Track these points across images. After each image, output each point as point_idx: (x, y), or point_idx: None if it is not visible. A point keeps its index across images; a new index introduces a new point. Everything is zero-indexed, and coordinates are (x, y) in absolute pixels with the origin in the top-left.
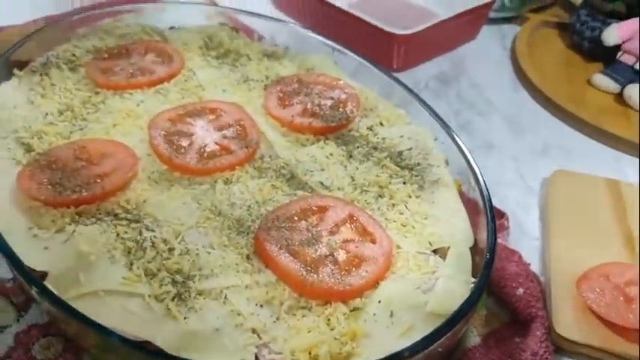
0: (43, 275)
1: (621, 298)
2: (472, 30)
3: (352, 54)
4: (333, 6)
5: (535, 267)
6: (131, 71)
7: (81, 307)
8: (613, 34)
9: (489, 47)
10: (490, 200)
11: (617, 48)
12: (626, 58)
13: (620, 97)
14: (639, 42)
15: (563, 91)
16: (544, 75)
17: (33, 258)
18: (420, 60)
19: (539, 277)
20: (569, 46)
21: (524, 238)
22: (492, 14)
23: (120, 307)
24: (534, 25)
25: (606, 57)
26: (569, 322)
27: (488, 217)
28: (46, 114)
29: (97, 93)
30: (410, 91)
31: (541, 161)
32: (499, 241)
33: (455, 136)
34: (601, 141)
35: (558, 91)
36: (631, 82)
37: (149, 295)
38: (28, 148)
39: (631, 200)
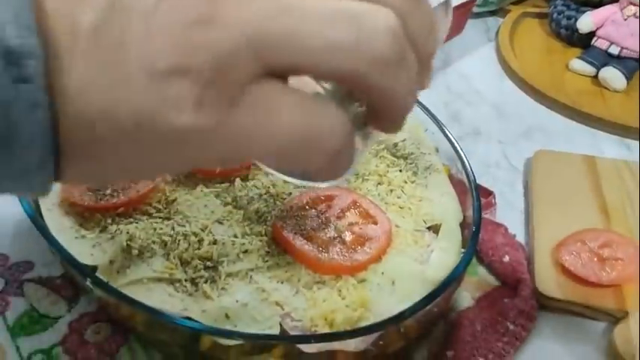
0: (93, 269)
1: (595, 259)
2: (459, 25)
3: None
4: None
5: (521, 237)
6: None
7: (130, 293)
8: (587, 21)
9: (475, 40)
10: (475, 181)
11: (593, 34)
12: (601, 43)
13: (596, 80)
14: (611, 28)
15: (544, 78)
16: (526, 63)
17: (84, 256)
18: None
19: (524, 245)
20: (548, 34)
21: (510, 213)
22: (476, 9)
23: (162, 291)
24: (516, 17)
25: (583, 43)
26: (550, 283)
27: (473, 196)
28: None
29: None
30: None
31: (525, 143)
32: (487, 216)
33: (443, 127)
34: (579, 121)
35: (539, 77)
36: (605, 64)
37: (185, 280)
38: None
39: (606, 173)
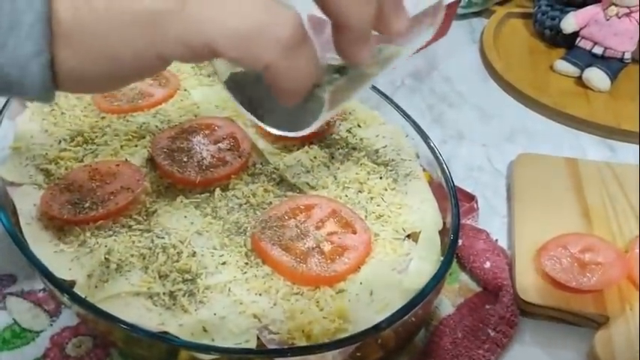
0: (71, 284)
1: (576, 264)
2: (444, 27)
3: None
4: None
5: (503, 242)
6: (132, 95)
7: (107, 307)
8: (571, 21)
9: (459, 42)
10: (454, 189)
11: (576, 34)
12: (584, 44)
13: (580, 80)
14: (594, 28)
15: (527, 79)
16: (509, 64)
17: (62, 270)
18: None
19: (506, 250)
20: (532, 34)
21: (493, 218)
22: (461, 10)
23: (140, 305)
24: (500, 18)
25: (567, 43)
26: (531, 288)
27: (452, 203)
28: (60, 141)
29: (102, 118)
30: (385, 96)
31: (508, 146)
32: (469, 222)
33: (424, 132)
34: (563, 123)
35: (522, 78)
36: (589, 65)
37: (164, 293)
38: (47, 174)
39: (587, 175)
